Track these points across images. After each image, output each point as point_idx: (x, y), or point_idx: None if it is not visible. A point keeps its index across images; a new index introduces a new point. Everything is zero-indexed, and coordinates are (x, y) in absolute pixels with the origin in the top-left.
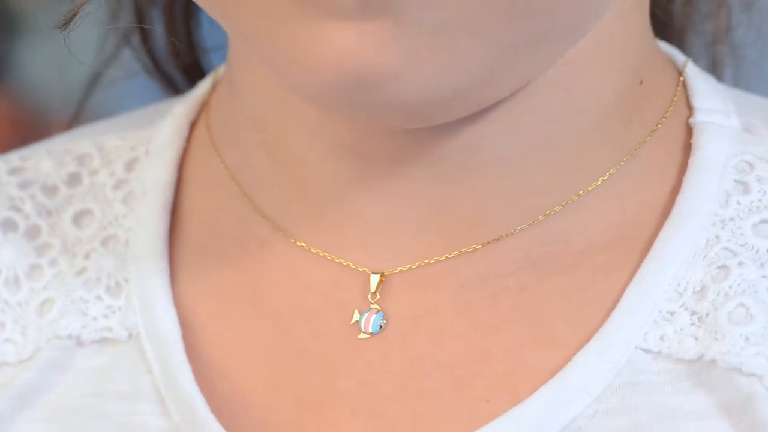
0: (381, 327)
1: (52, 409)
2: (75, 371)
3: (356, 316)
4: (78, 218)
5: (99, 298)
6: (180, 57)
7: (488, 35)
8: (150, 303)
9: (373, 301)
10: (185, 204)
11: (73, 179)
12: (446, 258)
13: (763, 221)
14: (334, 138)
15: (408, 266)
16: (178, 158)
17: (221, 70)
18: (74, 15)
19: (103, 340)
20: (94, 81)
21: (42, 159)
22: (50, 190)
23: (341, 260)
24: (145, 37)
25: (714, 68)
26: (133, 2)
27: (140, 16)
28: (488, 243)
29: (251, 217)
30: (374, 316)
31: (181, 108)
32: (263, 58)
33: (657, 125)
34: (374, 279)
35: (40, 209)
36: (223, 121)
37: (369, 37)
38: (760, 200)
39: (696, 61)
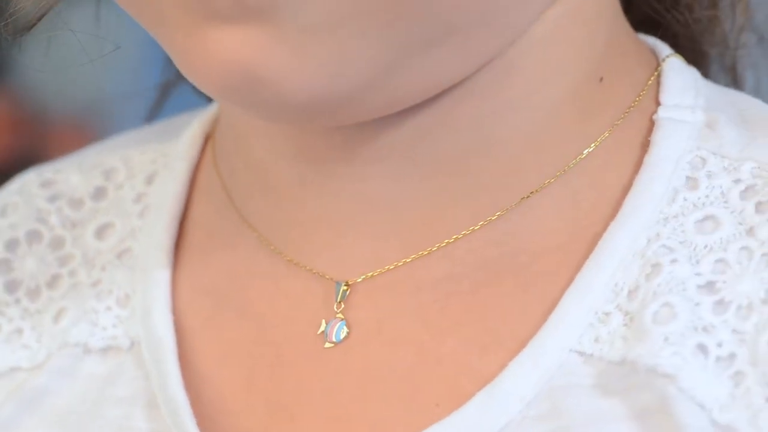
0: (344, 336)
1: (56, 414)
2: (81, 377)
3: (323, 326)
4: (100, 231)
5: (109, 308)
6: None
7: (374, 35)
8: (150, 312)
9: (338, 311)
10: (193, 214)
11: (99, 193)
12: (404, 263)
13: (706, 217)
14: (288, 142)
15: (370, 273)
16: (190, 171)
17: None
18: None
19: (108, 348)
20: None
21: (72, 172)
22: (76, 203)
23: (311, 268)
24: None
25: (734, 78)
26: None
27: None
28: (444, 245)
29: (240, 227)
30: (338, 325)
31: (198, 121)
32: (167, 51)
33: (618, 120)
34: (339, 288)
35: (65, 221)
36: (220, 130)
37: (249, 39)
38: (707, 196)
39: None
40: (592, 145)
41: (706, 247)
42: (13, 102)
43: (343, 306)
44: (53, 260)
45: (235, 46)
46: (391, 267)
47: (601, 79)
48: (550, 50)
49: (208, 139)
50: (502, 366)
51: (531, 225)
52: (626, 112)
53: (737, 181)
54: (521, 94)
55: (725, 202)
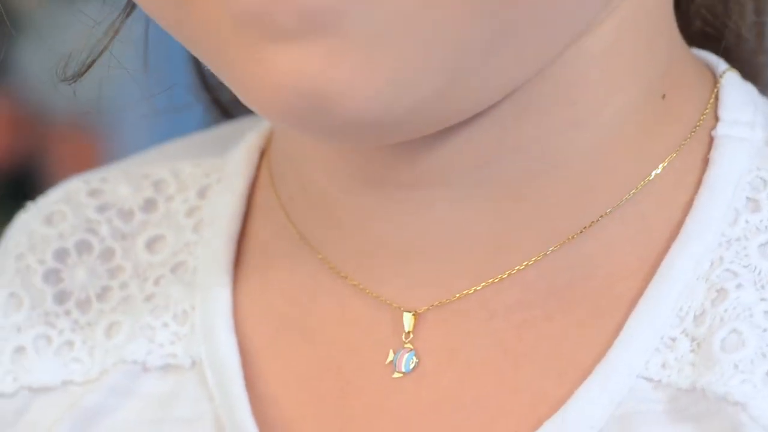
0: (414, 365)
1: None
2: (139, 396)
3: (391, 356)
4: (151, 244)
5: (166, 324)
6: None
7: (438, 38)
8: (213, 331)
9: (406, 341)
10: (251, 233)
11: (149, 205)
12: (474, 290)
13: None
14: (350, 168)
15: (438, 302)
16: (248, 187)
17: None
18: (92, 63)
19: (167, 367)
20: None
21: (120, 183)
22: (126, 215)
23: (378, 294)
24: (198, 66)
25: None
26: None
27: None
28: (514, 272)
29: (301, 249)
30: (407, 355)
31: (254, 136)
32: (222, 79)
33: (685, 140)
34: (407, 318)
35: (115, 233)
36: (275, 148)
37: (312, 56)
38: None
39: None
40: (660, 165)
41: None
42: (13, 102)
43: (411, 336)
44: (103, 272)
45: (298, 64)
46: (461, 295)
47: (664, 96)
48: (611, 65)
49: (263, 153)
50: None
51: (601, 249)
52: (693, 131)
53: None
54: (584, 111)
55: None
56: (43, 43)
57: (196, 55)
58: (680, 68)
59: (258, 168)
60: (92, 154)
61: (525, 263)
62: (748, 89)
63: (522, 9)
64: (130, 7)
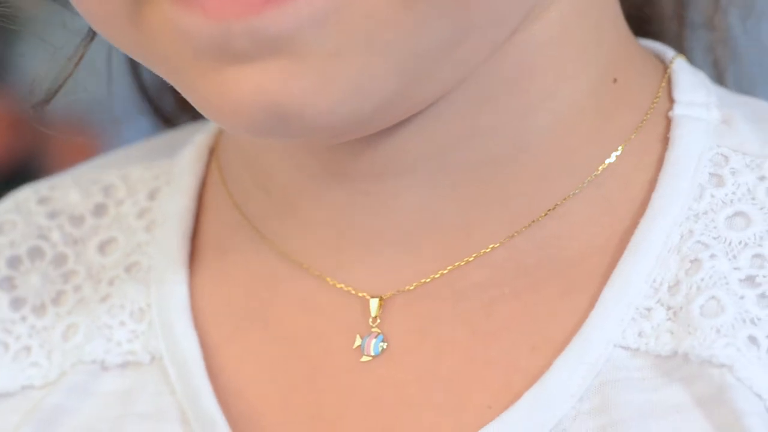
0: (382, 349)
1: None
2: (99, 395)
3: (358, 341)
4: (103, 246)
5: (123, 323)
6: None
7: (394, 48)
8: (171, 327)
9: (373, 325)
10: (203, 230)
11: (100, 210)
12: (441, 274)
13: (736, 213)
14: (314, 162)
15: (406, 287)
16: (198, 185)
17: None
18: (58, 89)
19: (126, 364)
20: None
21: (70, 189)
22: (77, 220)
23: (343, 283)
24: (137, 72)
25: (717, 75)
26: None
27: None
28: (481, 254)
29: (258, 244)
30: (374, 339)
31: (202, 137)
32: (184, 95)
33: (642, 122)
34: (373, 303)
35: (67, 238)
36: (225, 148)
37: (270, 75)
38: (734, 193)
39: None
40: (620, 147)
41: (740, 242)
42: (13, 102)
43: (378, 321)
44: (57, 277)
45: (257, 82)
46: (428, 280)
47: (615, 80)
48: (559, 52)
49: (211, 153)
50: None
51: (567, 230)
52: (647, 114)
53: (762, 178)
54: (540, 97)
55: (752, 198)
56: (43, 43)
57: (156, 72)
58: (628, 55)
59: (208, 167)
60: (92, 154)
61: (491, 246)
62: (698, 73)
63: (474, 9)
64: (93, 34)
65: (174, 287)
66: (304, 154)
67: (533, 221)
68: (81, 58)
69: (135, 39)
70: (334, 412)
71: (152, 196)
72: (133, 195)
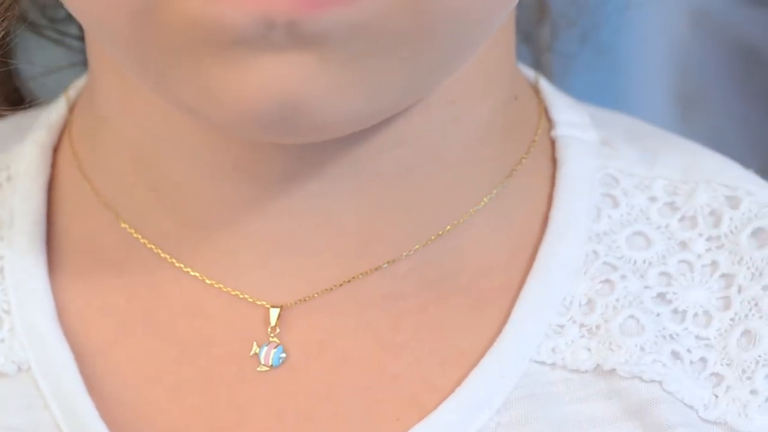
0: (282, 360)
1: None
2: None
3: (255, 348)
4: None
5: None
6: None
7: (406, 58)
8: (40, 337)
9: (272, 335)
10: (59, 234)
11: None
12: (343, 284)
13: (635, 233)
14: (222, 160)
15: (306, 296)
16: (46, 187)
17: (72, 92)
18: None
19: None
20: None
21: None
22: None
23: (237, 292)
24: None
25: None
26: None
27: None
28: (385, 265)
29: (133, 245)
30: (274, 350)
31: (44, 134)
32: (171, 95)
33: (533, 141)
34: (273, 313)
35: None
36: (90, 148)
37: (295, 68)
38: (629, 213)
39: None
40: (518, 164)
41: (644, 261)
42: None
43: (278, 330)
44: None
45: (281, 74)
46: (330, 289)
47: (516, 98)
48: (483, 65)
49: (55, 152)
50: (463, 378)
51: (471, 244)
52: (537, 132)
53: (653, 198)
54: (461, 109)
55: (647, 219)
56: (43, 43)
57: (142, 70)
58: (519, 73)
59: (54, 167)
60: None
61: (394, 258)
62: (560, 92)
63: (476, 29)
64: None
65: (36, 294)
66: (213, 150)
67: (438, 234)
68: None
69: (133, 36)
70: (232, 423)
71: None
72: None
